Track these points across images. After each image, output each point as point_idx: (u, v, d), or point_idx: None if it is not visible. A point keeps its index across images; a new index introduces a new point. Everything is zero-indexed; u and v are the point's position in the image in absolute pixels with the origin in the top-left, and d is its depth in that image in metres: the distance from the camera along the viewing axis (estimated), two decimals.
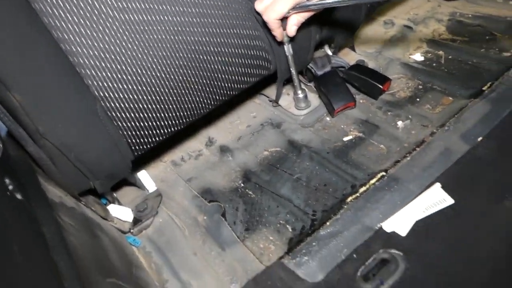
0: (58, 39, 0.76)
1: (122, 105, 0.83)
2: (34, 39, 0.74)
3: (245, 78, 1.01)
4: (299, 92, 1.15)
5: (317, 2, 0.88)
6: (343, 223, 0.90)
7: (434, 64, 1.26)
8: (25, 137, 0.73)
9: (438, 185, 0.91)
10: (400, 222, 0.87)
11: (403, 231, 0.85)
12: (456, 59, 1.26)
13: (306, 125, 1.15)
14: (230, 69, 0.97)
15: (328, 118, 1.16)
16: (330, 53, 1.25)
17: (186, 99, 0.92)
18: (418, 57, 1.30)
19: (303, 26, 1.05)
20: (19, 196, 0.58)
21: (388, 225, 0.87)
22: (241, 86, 1.02)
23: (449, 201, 0.88)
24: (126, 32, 0.82)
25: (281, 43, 1.02)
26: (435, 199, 0.89)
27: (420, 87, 1.20)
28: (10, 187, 0.58)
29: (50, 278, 0.50)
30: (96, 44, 0.79)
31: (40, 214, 0.60)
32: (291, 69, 1.07)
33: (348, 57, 1.31)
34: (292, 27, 0.95)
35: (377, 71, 1.22)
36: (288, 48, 1.01)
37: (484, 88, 1.11)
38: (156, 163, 1.12)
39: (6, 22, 0.72)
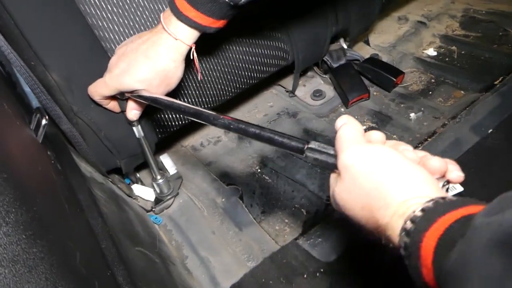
0: (92, 25, 0.81)
1: None
2: (71, 24, 0.79)
3: (264, 67, 1.06)
4: (159, 177, 0.96)
5: (153, 96, 0.75)
6: None
7: (446, 59, 1.30)
8: (60, 115, 0.78)
9: None
10: None
11: None
12: (468, 54, 1.29)
13: (321, 115, 1.20)
14: (250, 58, 1.01)
15: (342, 109, 1.20)
16: (345, 46, 1.28)
17: (208, 86, 0.97)
18: (431, 52, 1.33)
19: (319, 19, 1.09)
20: (59, 166, 0.63)
21: None
22: (260, 75, 1.06)
23: (459, 188, 0.91)
24: (155, 21, 0.87)
25: (298, 34, 1.06)
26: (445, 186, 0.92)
27: (433, 80, 1.23)
28: (52, 158, 0.63)
29: (89, 238, 0.55)
30: (126, 31, 0.84)
31: (76, 183, 0.65)
32: (144, 152, 0.90)
33: (363, 51, 1.35)
34: (131, 111, 0.81)
35: (391, 64, 1.26)
36: (138, 130, 0.86)
37: (495, 82, 1.14)
38: (177, 148, 1.17)
39: (46, 8, 0.77)
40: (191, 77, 0.92)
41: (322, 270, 0.84)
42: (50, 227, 0.41)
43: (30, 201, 0.39)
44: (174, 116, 0.95)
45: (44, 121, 0.62)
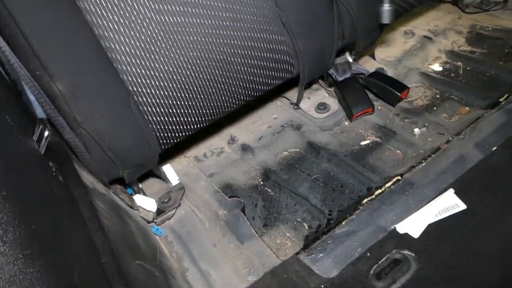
0: (99, 36, 0.82)
1: (153, 100, 0.88)
2: (77, 34, 0.79)
3: (269, 80, 1.06)
4: None
5: None
6: (358, 223, 0.93)
7: (452, 75, 1.29)
8: (64, 125, 0.78)
9: (451, 191, 0.94)
10: (413, 225, 0.90)
11: (415, 233, 0.88)
12: (474, 70, 1.29)
13: (325, 128, 1.19)
14: (256, 71, 1.01)
15: (346, 123, 1.20)
16: (350, 60, 1.28)
17: (213, 97, 0.97)
18: (436, 67, 1.33)
19: (325, 33, 1.09)
20: (60, 178, 0.63)
21: (402, 227, 0.90)
22: (265, 87, 1.06)
23: (462, 206, 0.91)
24: (161, 33, 0.87)
25: (304, 48, 1.06)
26: (448, 204, 0.92)
27: (438, 96, 1.23)
28: (54, 169, 0.62)
29: (89, 253, 0.55)
30: (132, 42, 0.85)
31: (78, 195, 0.65)
32: None
33: (368, 65, 1.34)
34: None
35: (396, 79, 1.25)
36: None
37: (501, 100, 1.13)
38: (180, 158, 1.16)
39: (53, 18, 0.77)
40: (196, 87, 0.92)
41: (323, 286, 0.83)
42: (48, 245, 0.40)
43: (29, 219, 0.39)
44: (177, 127, 0.95)
45: (46, 133, 0.62)
